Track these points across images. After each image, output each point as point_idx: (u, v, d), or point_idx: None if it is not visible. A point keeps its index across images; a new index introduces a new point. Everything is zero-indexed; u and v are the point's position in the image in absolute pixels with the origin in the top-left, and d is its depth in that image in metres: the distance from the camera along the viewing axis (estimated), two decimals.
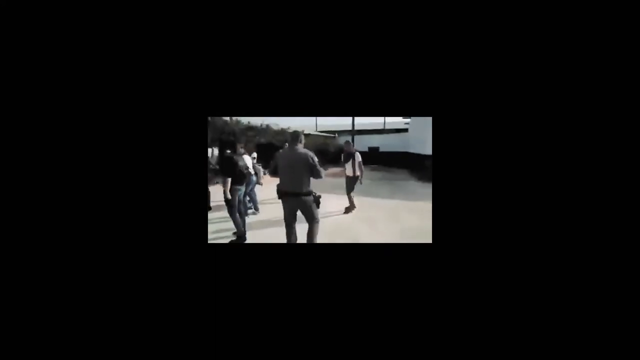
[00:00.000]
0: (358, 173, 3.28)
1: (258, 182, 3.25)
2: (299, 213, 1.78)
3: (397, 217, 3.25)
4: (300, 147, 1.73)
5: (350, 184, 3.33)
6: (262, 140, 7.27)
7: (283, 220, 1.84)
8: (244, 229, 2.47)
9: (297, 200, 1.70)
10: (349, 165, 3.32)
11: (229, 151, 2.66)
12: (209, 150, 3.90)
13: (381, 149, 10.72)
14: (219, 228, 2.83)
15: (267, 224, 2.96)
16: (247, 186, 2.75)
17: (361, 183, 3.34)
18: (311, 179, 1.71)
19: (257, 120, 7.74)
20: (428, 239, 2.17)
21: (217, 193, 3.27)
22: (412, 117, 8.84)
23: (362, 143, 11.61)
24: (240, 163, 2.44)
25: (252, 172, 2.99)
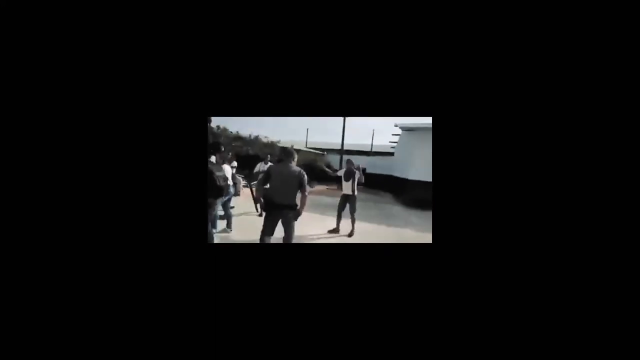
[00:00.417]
0: (357, 192, 3.24)
1: (236, 194, 3.08)
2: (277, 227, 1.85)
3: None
4: (294, 164, 1.86)
5: (352, 203, 3.21)
6: (250, 151, 7.10)
7: (258, 241, 1.86)
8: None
9: (283, 213, 1.79)
10: (348, 184, 3.25)
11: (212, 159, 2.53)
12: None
13: (367, 170, 10.91)
14: None
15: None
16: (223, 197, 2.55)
17: (356, 200, 3.30)
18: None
19: (245, 131, 7.67)
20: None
21: None
22: (398, 142, 9.19)
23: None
24: (218, 173, 2.12)
25: (231, 182, 2.78)
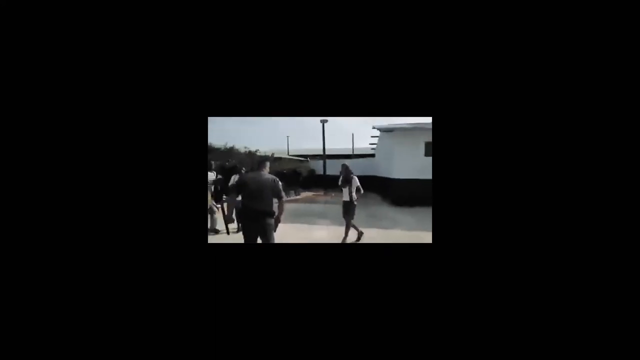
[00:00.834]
0: (356, 197, 3.09)
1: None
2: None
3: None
4: (266, 172, 1.84)
5: (350, 210, 3.08)
6: (228, 163, 6.76)
7: None
8: None
9: (261, 222, 1.75)
10: (345, 190, 3.12)
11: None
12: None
13: (352, 174, 11.00)
14: None
15: None
16: None
17: (355, 203, 3.11)
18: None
19: (220, 142, 7.32)
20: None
21: None
22: (377, 144, 9.42)
23: (335, 167, 11.80)
24: None
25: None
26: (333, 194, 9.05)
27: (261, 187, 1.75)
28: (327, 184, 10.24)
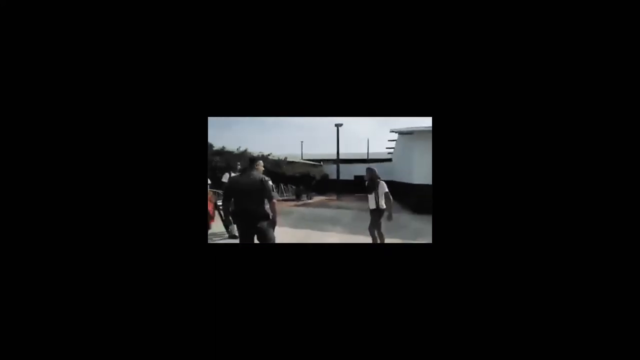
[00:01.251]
0: (384, 205, 2.57)
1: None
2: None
3: None
4: (256, 173, 1.73)
5: (376, 219, 2.60)
6: (239, 166, 6.66)
7: None
8: None
9: (255, 225, 1.67)
10: (371, 197, 2.66)
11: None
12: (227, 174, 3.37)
13: (365, 179, 10.64)
14: None
15: None
16: None
17: (390, 219, 2.56)
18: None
19: (233, 146, 7.24)
20: None
21: None
22: (395, 147, 8.98)
23: (348, 171, 11.54)
24: None
25: None
26: (344, 199, 8.68)
27: (249, 189, 1.67)
28: (340, 188, 9.92)
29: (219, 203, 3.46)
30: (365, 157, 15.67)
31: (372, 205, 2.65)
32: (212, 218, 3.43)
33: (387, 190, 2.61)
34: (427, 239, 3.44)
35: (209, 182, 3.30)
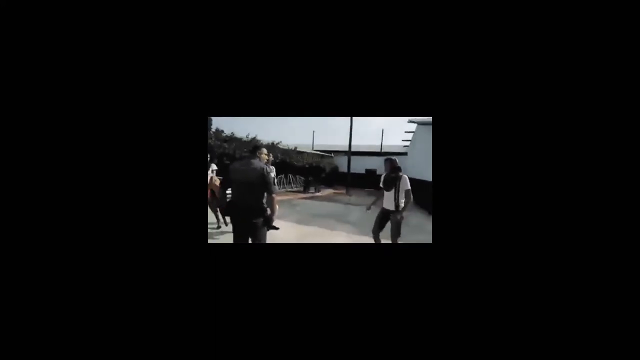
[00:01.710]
0: (403, 207, 2.08)
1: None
2: None
3: None
4: (257, 161, 1.57)
5: (395, 224, 2.12)
6: (246, 153, 6.42)
7: None
8: None
9: (251, 221, 1.50)
10: (390, 195, 2.16)
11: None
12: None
13: (378, 172, 10.19)
14: None
15: None
16: None
17: (401, 219, 2.12)
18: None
19: (243, 133, 6.95)
20: None
21: None
22: (412, 140, 8.39)
23: (360, 164, 11.12)
24: None
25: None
26: (352, 194, 8.33)
27: (247, 179, 1.50)
28: (350, 182, 9.55)
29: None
30: (379, 150, 15.05)
31: (391, 206, 2.15)
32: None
33: (409, 187, 2.13)
34: None
35: (216, 168, 3.11)
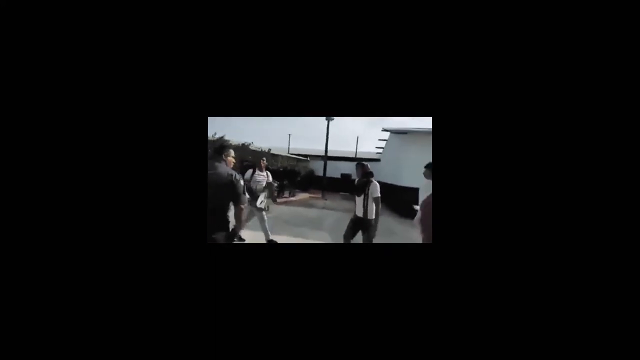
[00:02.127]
0: (372, 215, 1.96)
1: None
2: None
3: None
4: (222, 166, 1.36)
5: (367, 231, 1.98)
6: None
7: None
8: None
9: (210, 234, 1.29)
10: (360, 200, 2.03)
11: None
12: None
13: (353, 177, 10.34)
14: None
15: None
16: None
17: (371, 238, 2.01)
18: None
19: (209, 131, 6.39)
20: None
21: None
22: (385, 147, 8.70)
23: (335, 168, 11.18)
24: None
25: None
26: (327, 199, 8.30)
27: (212, 186, 1.26)
28: (326, 186, 9.49)
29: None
30: (353, 156, 15.40)
31: (360, 212, 2.07)
32: None
33: (379, 194, 2.03)
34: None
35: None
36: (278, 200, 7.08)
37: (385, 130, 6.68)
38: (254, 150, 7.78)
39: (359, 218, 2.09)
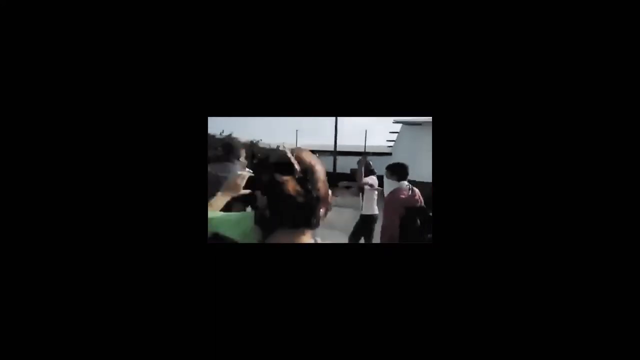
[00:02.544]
0: (376, 210, 1.96)
1: None
2: None
3: None
4: (235, 167, 1.36)
5: (363, 229, 2.01)
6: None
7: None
8: None
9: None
10: (365, 198, 2.05)
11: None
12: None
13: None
14: None
15: None
16: None
17: (350, 187, 2.17)
18: None
19: (217, 131, 6.45)
20: None
21: None
22: (396, 140, 8.44)
23: (345, 165, 11.06)
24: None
25: None
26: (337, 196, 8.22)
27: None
28: (336, 182, 9.42)
29: None
30: (362, 150, 15.12)
31: (366, 210, 2.12)
32: None
33: (373, 185, 2.04)
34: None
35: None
36: None
37: (397, 122, 6.45)
38: (263, 148, 7.81)
39: (367, 216, 2.06)
